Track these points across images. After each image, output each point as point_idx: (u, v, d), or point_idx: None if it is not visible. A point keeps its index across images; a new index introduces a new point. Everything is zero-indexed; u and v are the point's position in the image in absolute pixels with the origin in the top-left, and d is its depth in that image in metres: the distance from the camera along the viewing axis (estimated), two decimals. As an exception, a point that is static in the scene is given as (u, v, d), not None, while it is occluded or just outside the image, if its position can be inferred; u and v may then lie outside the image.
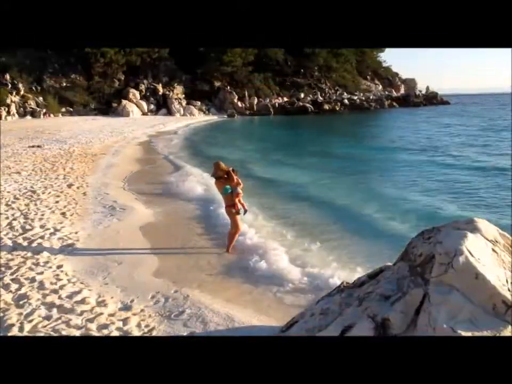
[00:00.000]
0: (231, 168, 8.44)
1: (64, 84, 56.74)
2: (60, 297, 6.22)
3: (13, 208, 10.76)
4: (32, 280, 6.75)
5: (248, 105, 64.99)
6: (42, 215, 10.25)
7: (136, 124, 42.63)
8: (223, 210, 9.01)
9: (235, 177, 8.34)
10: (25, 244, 8.30)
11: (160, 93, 60.34)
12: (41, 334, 5.20)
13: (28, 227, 9.31)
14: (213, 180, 8.70)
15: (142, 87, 60.11)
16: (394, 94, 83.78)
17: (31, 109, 49.74)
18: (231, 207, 8.29)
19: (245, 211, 8.60)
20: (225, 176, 8.34)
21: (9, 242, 8.33)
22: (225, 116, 59.11)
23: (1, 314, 5.66)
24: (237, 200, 8.32)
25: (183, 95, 61.58)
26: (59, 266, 7.33)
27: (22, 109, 49.38)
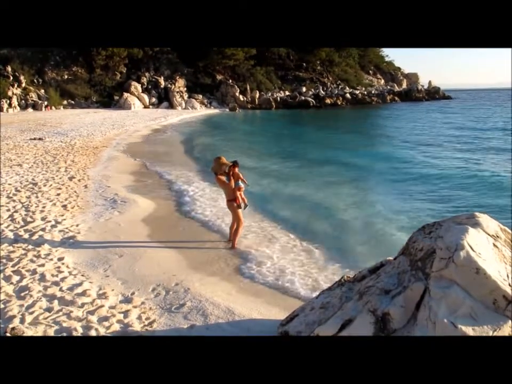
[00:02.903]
0: (232, 162, 8.41)
1: (66, 77, 56.67)
2: (61, 290, 6.23)
3: (14, 201, 10.77)
4: (33, 272, 6.76)
5: (249, 98, 64.84)
6: (44, 207, 10.26)
7: (137, 116, 42.58)
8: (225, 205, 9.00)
9: (236, 171, 8.32)
10: (26, 236, 8.31)
11: (161, 86, 60.22)
12: (42, 326, 5.21)
13: (29, 219, 9.32)
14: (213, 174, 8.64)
15: (144, 80, 59.99)
16: (397, 88, 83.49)
17: (32, 102, 49.71)
18: (233, 201, 8.27)
19: (246, 205, 8.57)
20: (226, 171, 8.31)
21: (11, 235, 8.35)
22: (227, 109, 58.99)
23: (3, 306, 5.68)
24: (238, 194, 8.29)
25: (185, 88, 61.42)
26: (60, 259, 7.35)
27: (23, 101, 49.37)
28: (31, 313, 5.52)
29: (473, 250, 3.60)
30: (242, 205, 8.41)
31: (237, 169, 8.36)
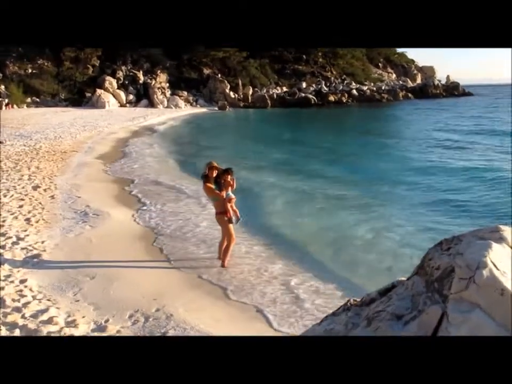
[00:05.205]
0: (225, 169, 8.38)
1: (30, 71, 56.73)
2: (23, 317, 6.19)
3: (-31, 214, 10.73)
4: (-9, 296, 6.73)
5: (242, 96, 65.14)
6: (4, 221, 10.22)
7: (112, 116, 42.61)
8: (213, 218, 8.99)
9: (228, 180, 8.28)
10: (-17, 254, 8.27)
11: (140, 82, 60.40)
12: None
13: (-14, 235, 9.29)
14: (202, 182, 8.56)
15: (120, 74, 60.15)
16: (410, 84, 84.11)
17: (-9, 99, 49.66)
18: (223, 214, 8.23)
19: (238, 219, 8.52)
20: (217, 178, 8.27)
21: (-35, 253, 8.31)
22: (216, 108, 59.18)
23: (-45, 336, 5.65)
24: (229, 206, 8.26)
25: (167, 84, 61.64)
26: (22, 281, 7.31)
27: (-20, 99, 49.30)
28: (-11, 344, 5.48)
29: (498, 269, 3.62)
30: (234, 218, 8.37)
31: (229, 178, 8.32)
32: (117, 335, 5.54)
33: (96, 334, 5.74)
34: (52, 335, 5.76)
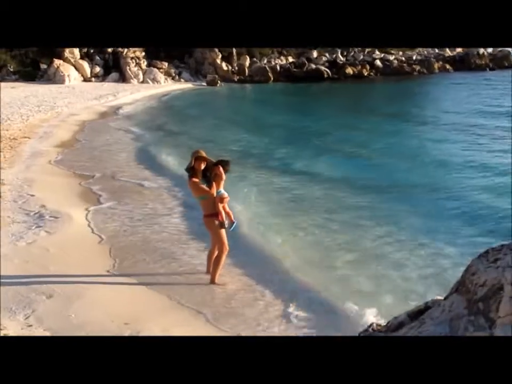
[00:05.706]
0: (217, 161, 8.27)
1: (-30, 36, 56.71)
2: (-39, 345, 6.19)
3: None
4: None
5: (236, 68, 65.10)
6: None
7: (74, 94, 42.61)
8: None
9: (219, 173, 8.15)
10: None
11: (109, 50, 60.34)
12: None
13: None
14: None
15: (84, 41, 60.11)
16: (448, 53, 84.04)
17: None
18: (213, 216, 8.12)
19: (232, 223, 8.46)
20: (206, 172, 8.18)
21: None
22: (204, 84, 59.16)
23: None
24: (221, 206, 8.20)
25: (143, 54, 61.58)
26: (-39, 301, 7.32)
27: None
28: None
29: (558, 286, 3.62)
30: (227, 222, 8.29)
31: (219, 171, 8.20)
32: (116, 335, 6.20)
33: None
34: None
